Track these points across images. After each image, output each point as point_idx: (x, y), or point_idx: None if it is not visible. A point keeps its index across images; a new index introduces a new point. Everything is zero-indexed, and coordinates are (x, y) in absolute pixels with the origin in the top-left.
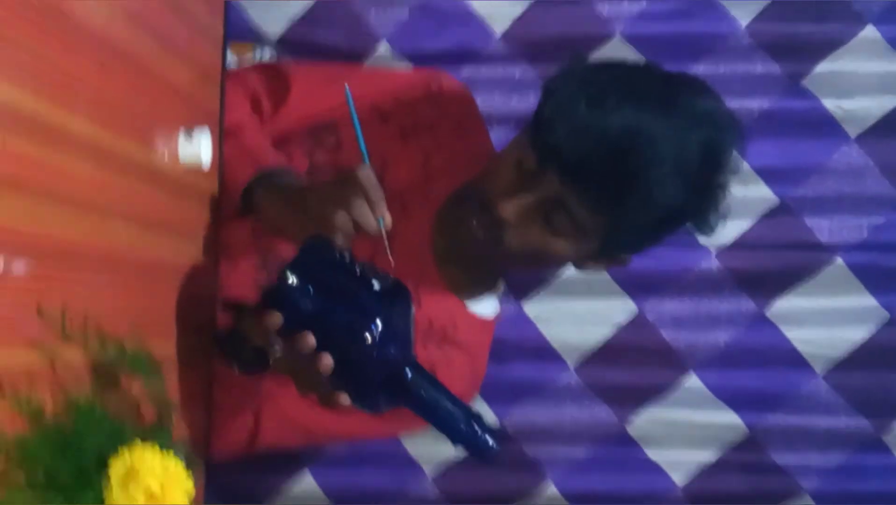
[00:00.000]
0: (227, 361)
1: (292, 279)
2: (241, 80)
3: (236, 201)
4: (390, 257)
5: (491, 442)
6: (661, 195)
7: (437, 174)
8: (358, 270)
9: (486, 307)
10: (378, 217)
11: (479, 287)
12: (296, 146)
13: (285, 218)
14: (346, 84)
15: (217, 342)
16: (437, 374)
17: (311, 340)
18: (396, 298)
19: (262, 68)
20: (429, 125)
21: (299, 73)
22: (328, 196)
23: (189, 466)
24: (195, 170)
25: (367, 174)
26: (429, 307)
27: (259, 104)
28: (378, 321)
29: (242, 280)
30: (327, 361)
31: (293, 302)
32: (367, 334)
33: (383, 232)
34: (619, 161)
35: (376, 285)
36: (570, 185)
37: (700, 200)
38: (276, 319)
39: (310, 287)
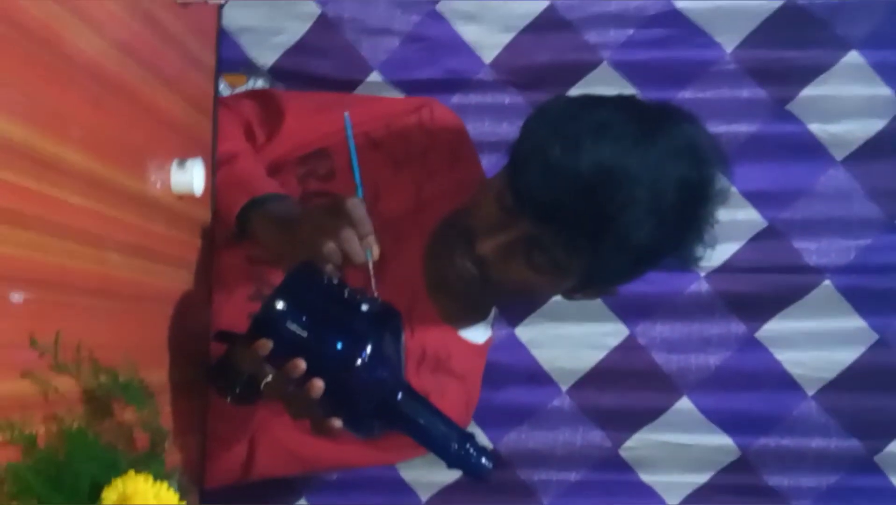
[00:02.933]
0: (220, 392)
1: (280, 305)
2: (235, 108)
3: (231, 227)
4: (374, 290)
5: (485, 461)
6: (636, 237)
7: (429, 203)
8: (346, 294)
9: (478, 334)
10: (366, 248)
11: (471, 315)
12: (289, 174)
13: (277, 245)
14: (346, 113)
15: (209, 374)
16: (431, 402)
17: (301, 365)
18: (386, 322)
19: (256, 95)
20: (420, 154)
21: (292, 101)
22: (318, 225)
23: (182, 494)
24: (189, 199)
25: (356, 205)
26: (421, 335)
27: (252, 132)
28: (367, 345)
29: (236, 310)
30: (318, 385)
31: (282, 328)
32: (357, 358)
33: (370, 263)
34: (593, 204)
35: (365, 309)
36: (544, 226)
37: (679, 237)
38: (265, 345)
39: (298, 312)
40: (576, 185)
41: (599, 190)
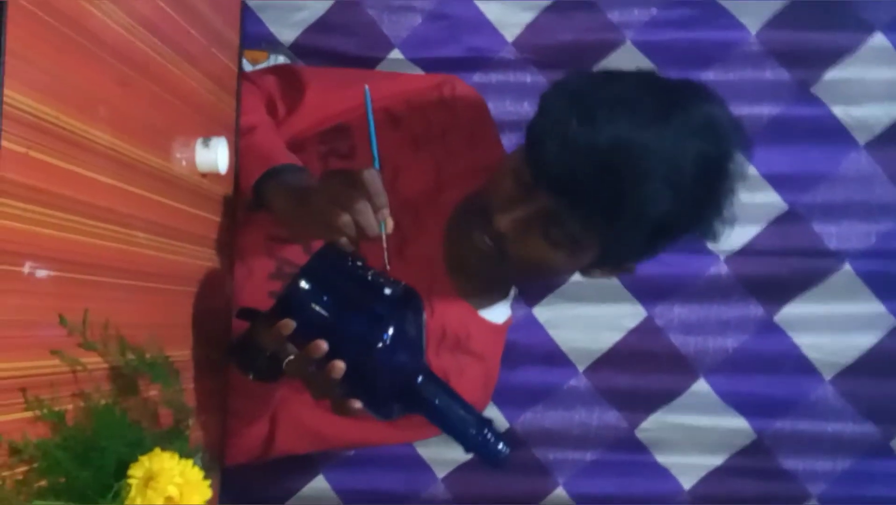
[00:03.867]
0: (242, 369)
1: (304, 285)
2: (257, 83)
3: (248, 198)
4: (387, 263)
5: (502, 447)
6: (653, 209)
7: (450, 182)
8: (370, 277)
9: (497, 314)
10: (380, 221)
11: (491, 294)
12: (311, 153)
13: (292, 217)
14: (366, 86)
15: (231, 351)
16: (451, 382)
17: (322, 346)
18: (408, 305)
19: (278, 70)
20: (441, 132)
21: (314, 76)
22: (333, 197)
23: (206, 472)
24: (213, 178)
25: (372, 177)
26: (441, 315)
27: (274, 106)
28: (389, 328)
29: (258, 287)
30: (339, 367)
31: (305, 308)
32: (379, 341)
33: (384, 236)
34: (609, 177)
35: (388, 292)
36: (561, 200)
37: (698, 211)
38: (289, 325)
39: (322, 293)
40: (592, 159)
41: (616, 164)
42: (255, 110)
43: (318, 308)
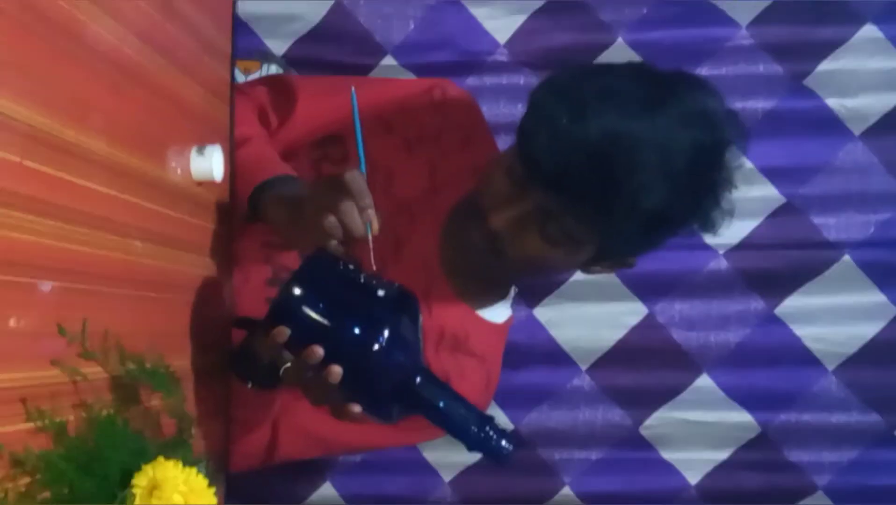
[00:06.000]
0: (241, 378)
1: (297, 292)
2: (249, 94)
3: (244, 209)
4: (373, 263)
5: (505, 444)
6: (647, 200)
7: (444, 184)
8: (363, 280)
9: (497, 314)
10: (365, 221)
11: (490, 295)
12: (303, 159)
13: (286, 226)
14: (352, 88)
15: (229, 360)
16: (451, 382)
17: (318, 351)
18: (403, 306)
19: (269, 81)
20: (434, 135)
21: (305, 85)
22: (319, 201)
23: (210, 479)
24: (208, 186)
25: (354, 177)
26: (440, 316)
27: (266, 117)
28: (385, 330)
29: (255, 294)
30: (336, 371)
31: (299, 314)
32: (375, 343)
33: (370, 236)
34: (601, 170)
35: (382, 294)
36: (555, 196)
37: (694, 201)
38: (283, 332)
39: (315, 299)
40: (583, 152)
41: (608, 156)
42: (247, 122)
43: (311, 313)
